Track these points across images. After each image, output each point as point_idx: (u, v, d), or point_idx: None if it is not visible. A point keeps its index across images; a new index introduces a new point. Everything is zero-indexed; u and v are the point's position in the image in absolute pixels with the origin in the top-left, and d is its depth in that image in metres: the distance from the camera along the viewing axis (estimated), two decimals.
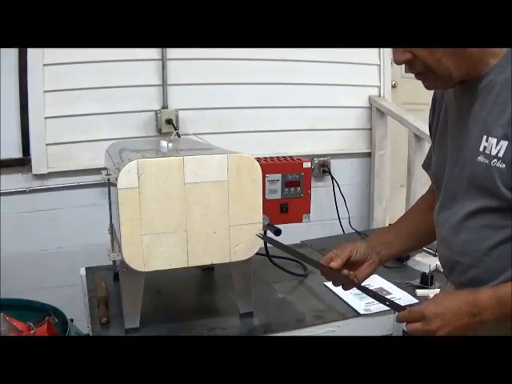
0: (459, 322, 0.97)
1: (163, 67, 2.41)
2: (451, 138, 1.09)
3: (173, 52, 2.41)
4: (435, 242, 1.20)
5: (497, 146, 0.96)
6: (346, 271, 1.18)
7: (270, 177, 2.16)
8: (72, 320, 1.89)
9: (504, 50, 0.99)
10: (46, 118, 2.28)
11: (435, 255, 1.84)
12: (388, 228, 1.49)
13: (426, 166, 1.26)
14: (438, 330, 0.98)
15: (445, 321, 0.98)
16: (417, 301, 1.59)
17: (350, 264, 1.20)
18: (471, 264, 1.06)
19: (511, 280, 0.98)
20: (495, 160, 0.96)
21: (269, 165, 2.18)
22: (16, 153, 2.28)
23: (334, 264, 1.17)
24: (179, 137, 2.28)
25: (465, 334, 0.99)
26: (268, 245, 1.47)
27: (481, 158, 0.99)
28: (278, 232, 1.41)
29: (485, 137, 0.99)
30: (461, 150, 1.05)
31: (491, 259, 1.02)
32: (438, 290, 1.62)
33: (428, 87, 1.05)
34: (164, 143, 1.52)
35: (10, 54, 2.18)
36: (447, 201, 1.11)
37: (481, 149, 0.99)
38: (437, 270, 1.72)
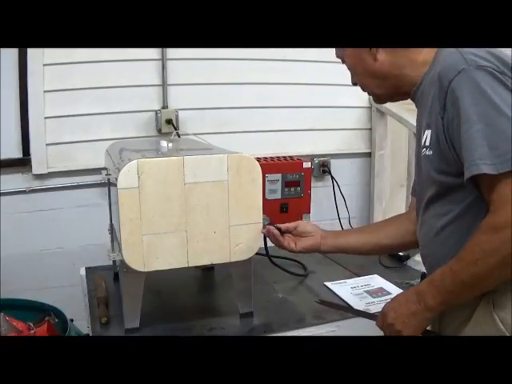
0: (408, 310, 1.04)
1: (163, 67, 2.40)
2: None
3: (173, 52, 2.40)
4: None
5: (423, 135, 1.04)
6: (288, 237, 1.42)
7: (269, 177, 2.16)
8: (72, 320, 1.89)
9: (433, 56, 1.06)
10: (45, 118, 2.27)
11: None
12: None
13: (414, 192, 1.31)
14: (394, 322, 1.06)
15: (398, 312, 1.06)
16: None
17: (296, 234, 1.42)
18: (425, 253, 1.15)
19: None
20: (425, 149, 1.04)
21: (269, 165, 2.18)
22: (16, 153, 2.27)
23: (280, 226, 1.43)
24: (179, 137, 2.28)
25: (422, 325, 1.05)
26: (268, 244, 1.47)
27: (422, 153, 1.06)
28: (278, 230, 1.41)
29: (422, 132, 1.06)
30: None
31: (436, 246, 1.08)
32: None
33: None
34: (164, 143, 1.52)
35: (10, 54, 2.17)
36: (419, 205, 1.16)
37: (422, 144, 1.06)
38: None
